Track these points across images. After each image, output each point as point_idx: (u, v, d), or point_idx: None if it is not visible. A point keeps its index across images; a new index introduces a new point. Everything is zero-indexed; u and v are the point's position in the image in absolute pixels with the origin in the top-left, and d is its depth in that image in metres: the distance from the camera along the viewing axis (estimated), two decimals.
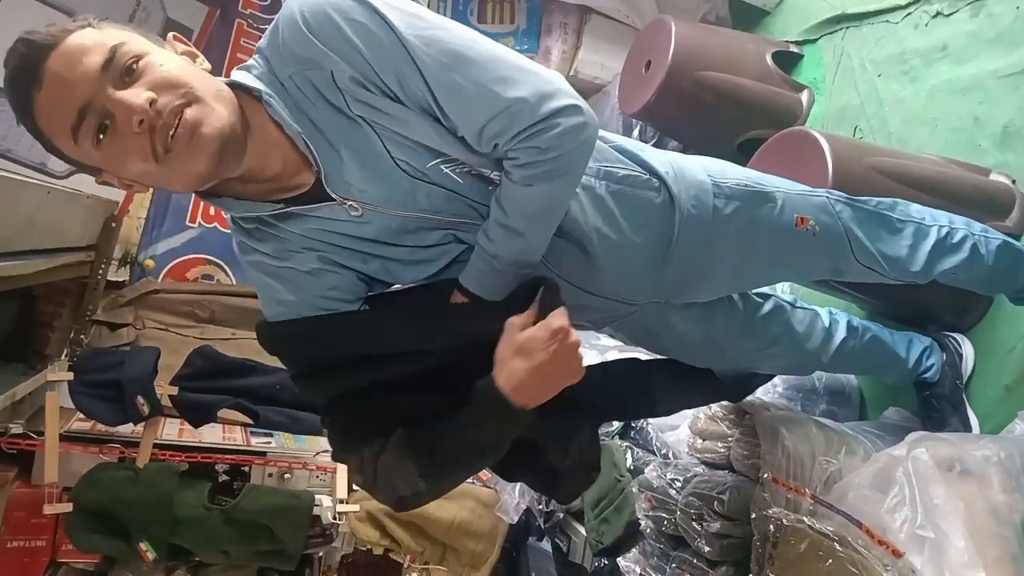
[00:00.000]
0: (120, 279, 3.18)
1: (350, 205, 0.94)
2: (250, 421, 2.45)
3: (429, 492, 1.01)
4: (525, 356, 0.89)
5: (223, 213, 1.01)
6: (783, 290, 2.02)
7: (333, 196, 0.93)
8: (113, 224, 2.88)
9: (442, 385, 1.01)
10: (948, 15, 2.08)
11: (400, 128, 0.91)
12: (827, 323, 1.56)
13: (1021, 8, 1.86)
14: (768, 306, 1.47)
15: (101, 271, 2.89)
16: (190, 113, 0.84)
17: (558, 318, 0.92)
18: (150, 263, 3.20)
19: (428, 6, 3.32)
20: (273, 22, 0.92)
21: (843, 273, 1.34)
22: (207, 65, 0.95)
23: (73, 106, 0.83)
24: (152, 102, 0.83)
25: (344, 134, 0.92)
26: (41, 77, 0.82)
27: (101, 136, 0.84)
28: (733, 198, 1.18)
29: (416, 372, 1.03)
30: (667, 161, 1.16)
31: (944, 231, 1.41)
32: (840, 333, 1.57)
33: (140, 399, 2.28)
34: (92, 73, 0.82)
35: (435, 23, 0.89)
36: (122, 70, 0.84)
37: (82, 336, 2.91)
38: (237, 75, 0.93)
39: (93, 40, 0.84)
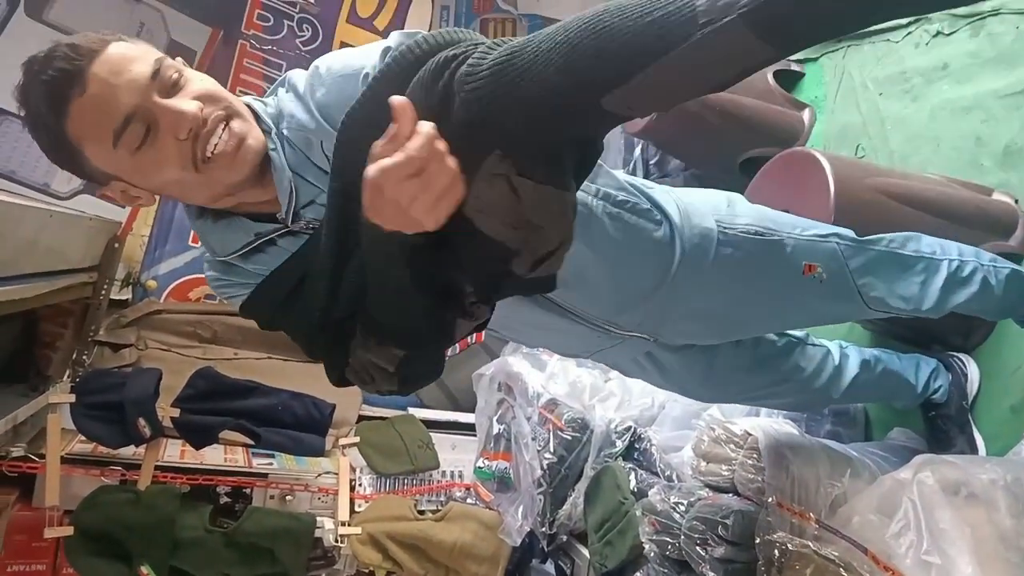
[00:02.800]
0: (123, 298, 3.18)
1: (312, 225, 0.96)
2: (252, 442, 2.43)
3: (415, 356, 0.93)
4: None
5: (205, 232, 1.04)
6: None
7: (291, 227, 0.95)
8: (116, 244, 2.89)
9: None
10: (948, 34, 2.08)
11: None
12: (837, 359, 1.55)
13: (1021, 28, 1.86)
14: (780, 343, 1.46)
15: (104, 292, 2.91)
16: (236, 126, 0.89)
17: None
18: (152, 283, 3.20)
19: (429, 29, 3.35)
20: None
21: (855, 318, 1.33)
22: None
23: (120, 111, 0.84)
24: (200, 110, 0.86)
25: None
26: (85, 81, 0.83)
27: (143, 143, 0.86)
28: (741, 247, 1.17)
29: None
30: (673, 200, 1.15)
31: (955, 265, 1.40)
32: (852, 369, 1.55)
33: (142, 421, 2.26)
34: (141, 80, 0.85)
35: None
36: (168, 82, 0.87)
37: (85, 356, 2.91)
38: (254, 104, 0.96)
39: (137, 51, 0.87)
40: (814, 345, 1.53)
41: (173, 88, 0.87)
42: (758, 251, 1.18)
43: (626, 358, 1.29)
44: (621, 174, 1.14)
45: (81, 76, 0.83)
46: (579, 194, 1.01)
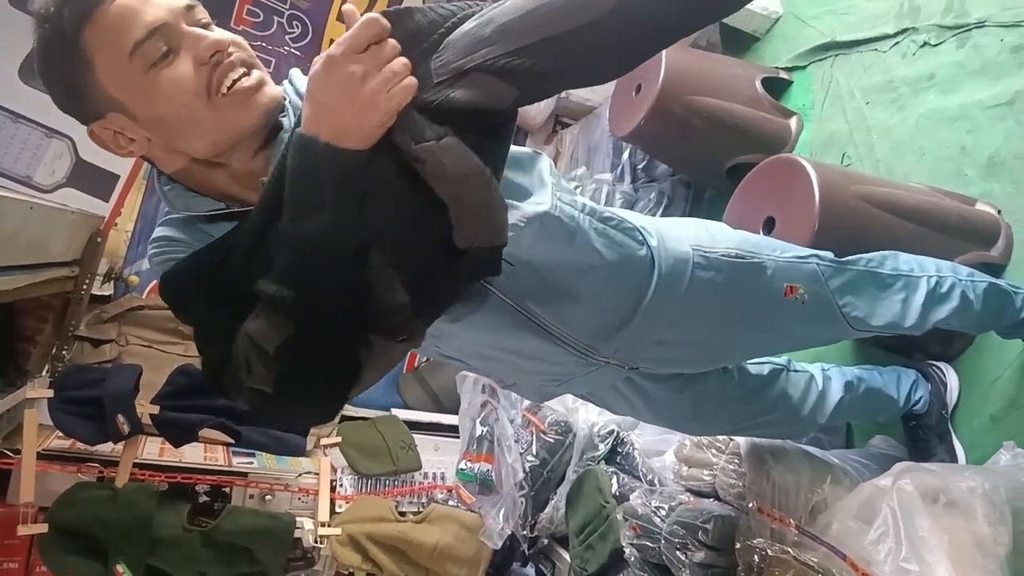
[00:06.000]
0: (105, 294, 3.15)
1: None
2: (232, 441, 2.41)
3: (304, 346, 0.80)
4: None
5: (166, 202, 0.99)
6: None
7: None
8: (99, 239, 2.86)
9: None
10: (935, 45, 2.10)
11: None
12: (821, 384, 1.55)
13: (1005, 40, 1.88)
14: (764, 370, 1.46)
15: (85, 286, 2.87)
16: (255, 72, 0.89)
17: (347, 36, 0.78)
18: (135, 279, 3.17)
19: None
20: None
21: (839, 339, 1.33)
22: None
23: (146, 22, 0.84)
24: (228, 43, 0.87)
25: None
26: None
27: (159, 61, 0.84)
28: (722, 270, 1.16)
29: None
30: (651, 223, 1.15)
31: (933, 281, 1.41)
32: (836, 392, 1.55)
33: (120, 418, 2.24)
34: (176, 3, 0.86)
35: None
36: (199, 22, 0.88)
37: (64, 351, 2.88)
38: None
39: None
40: (797, 371, 1.52)
41: (203, 28, 0.88)
42: (738, 273, 1.18)
43: (604, 385, 1.27)
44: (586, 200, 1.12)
45: None
46: (566, 208, 1.01)
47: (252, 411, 0.90)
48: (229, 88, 0.86)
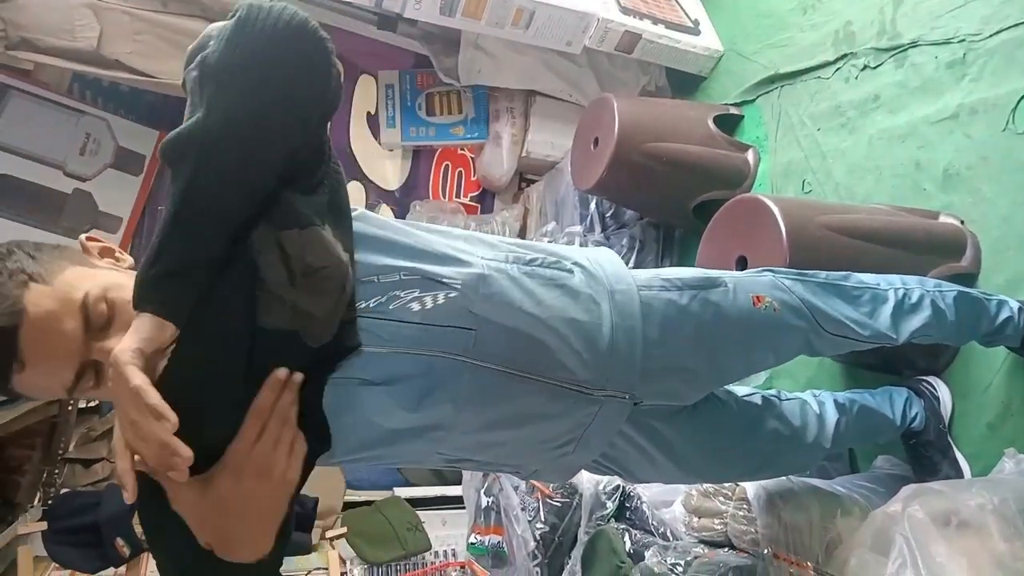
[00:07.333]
0: (94, 404, 3.10)
1: None
2: None
3: None
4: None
5: None
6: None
7: None
8: None
9: None
10: (875, 67, 2.16)
11: None
12: (817, 409, 1.54)
13: (939, 57, 1.94)
14: (757, 400, 1.46)
15: (70, 407, 2.82)
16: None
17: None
18: None
19: (376, 108, 3.39)
20: None
21: (818, 348, 1.34)
22: (128, 260, 0.99)
23: (68, 373, 0.84)
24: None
25: None
26: (23, 358, 0.82)
27: (97, 383, 0.87)
28: (686, 288, 1.21)
29: None
30: (581, 252, 1.19)
31: (900, 293, 1.43)
32: (831, 415, 1.55)
33: (119, 540, 2.19)
34: (77, 339, 0.84)
35: None
36: (101, 324, 0.86)
37: (55, 476, 2.81)
38: None
39: (57, 301, 0.84)
40: (789, 399, 1.53)
41: (109, 327, 0.86)
42: (703, 289, 1.22)
43: (615, 434, 1.24)
44: (505, 239, 1.15)
45: (13, 352, 0.82)
46: (493, 263, 1.05)
47: None
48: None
